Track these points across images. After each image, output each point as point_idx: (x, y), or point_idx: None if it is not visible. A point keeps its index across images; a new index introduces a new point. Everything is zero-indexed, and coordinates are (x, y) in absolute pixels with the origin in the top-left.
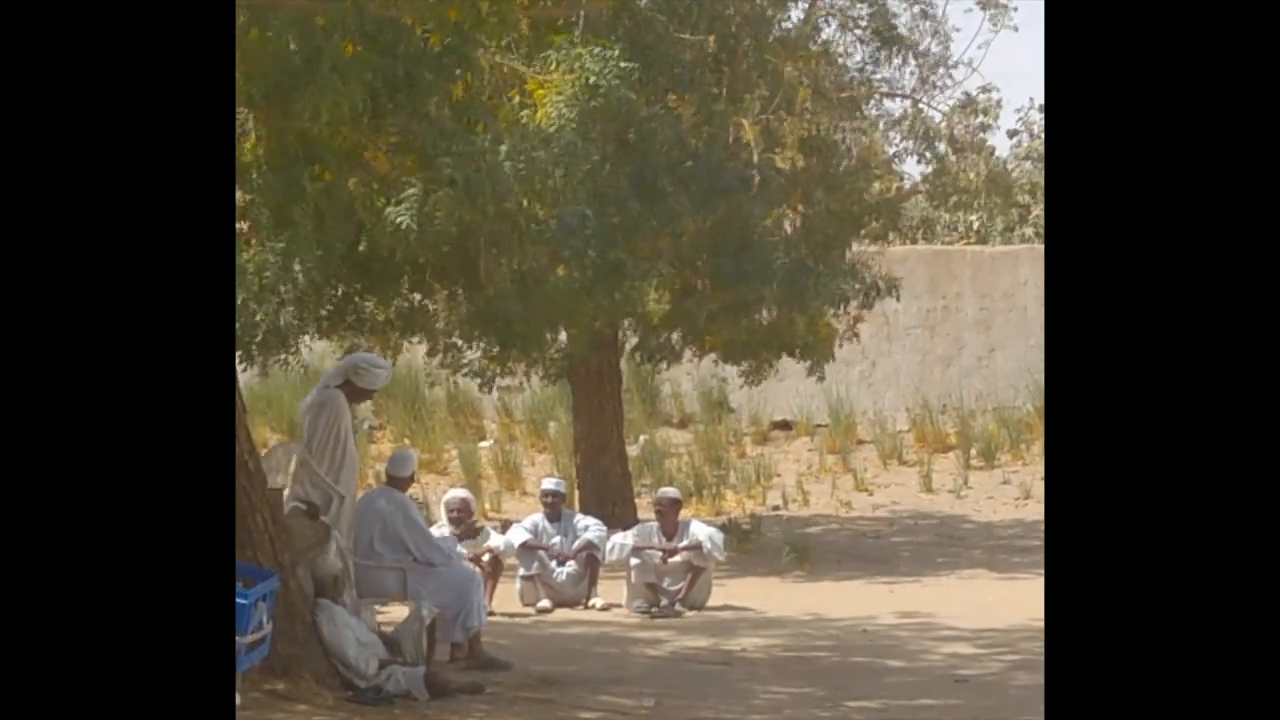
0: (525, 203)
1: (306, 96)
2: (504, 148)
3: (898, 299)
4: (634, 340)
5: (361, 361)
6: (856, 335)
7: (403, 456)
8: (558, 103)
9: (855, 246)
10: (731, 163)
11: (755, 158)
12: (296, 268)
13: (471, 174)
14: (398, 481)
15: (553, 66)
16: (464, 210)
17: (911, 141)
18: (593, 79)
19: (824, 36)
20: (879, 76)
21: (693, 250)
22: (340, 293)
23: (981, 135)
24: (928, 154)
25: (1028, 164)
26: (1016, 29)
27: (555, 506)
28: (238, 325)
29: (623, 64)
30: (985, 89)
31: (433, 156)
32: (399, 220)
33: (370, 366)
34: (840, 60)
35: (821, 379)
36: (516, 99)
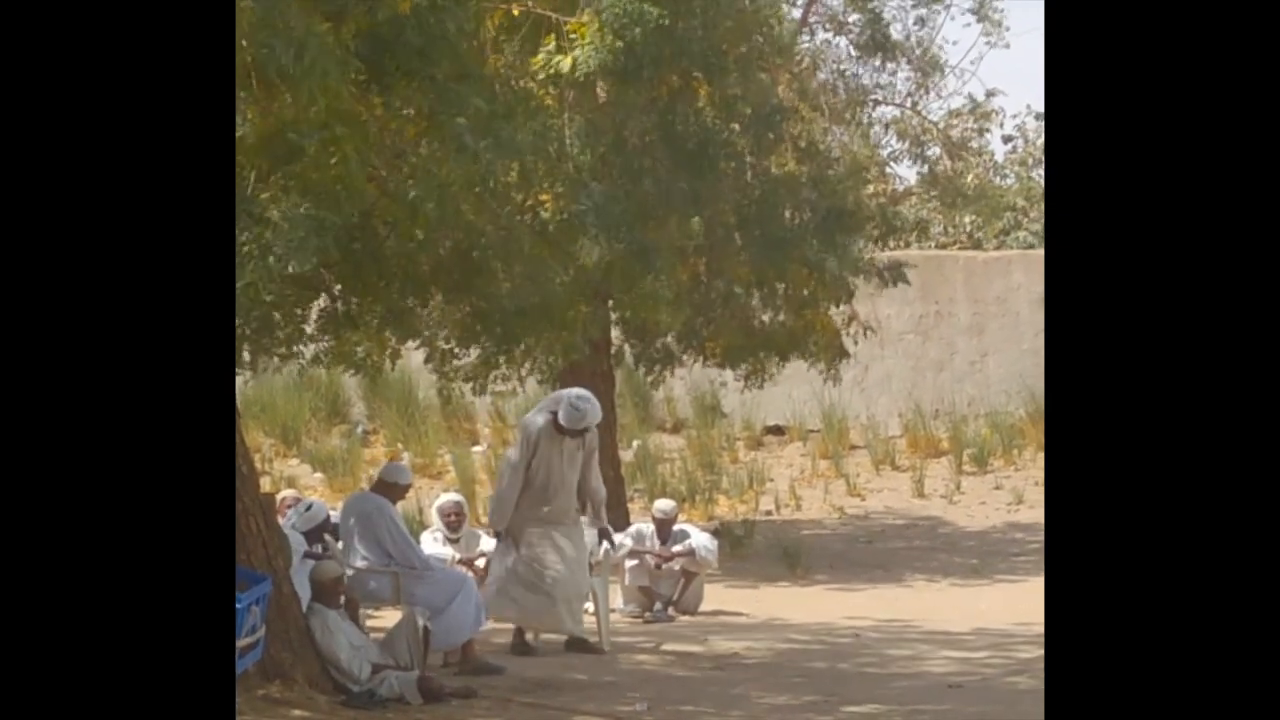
0: (529, 199)
1: (301, 85)
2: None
3: (908, 282)
4: (632, 348)
5: (569, 399)
6: (870, 329)
7: (401, 467)
8: (586, 48)
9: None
10: (732, 164)
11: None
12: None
13: (485, 144)
14: (392, 489)
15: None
16: (476, 180)
17: (905, 144)
18: (621, 20)
19: (817, 42)
20: (872, 81)
21: (709, 235)
22: (333, 295)
23: (983, 139)
24: (921, 157)
25: (1022, 169)
26: (1009, 46)
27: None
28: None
29: (648, 7)
30: (991, 93)
31: (444, 119)
32: (411, 196)
33: (577, 404)
34: (835, 66)
35: (838, 381)
36: (552, 44)
